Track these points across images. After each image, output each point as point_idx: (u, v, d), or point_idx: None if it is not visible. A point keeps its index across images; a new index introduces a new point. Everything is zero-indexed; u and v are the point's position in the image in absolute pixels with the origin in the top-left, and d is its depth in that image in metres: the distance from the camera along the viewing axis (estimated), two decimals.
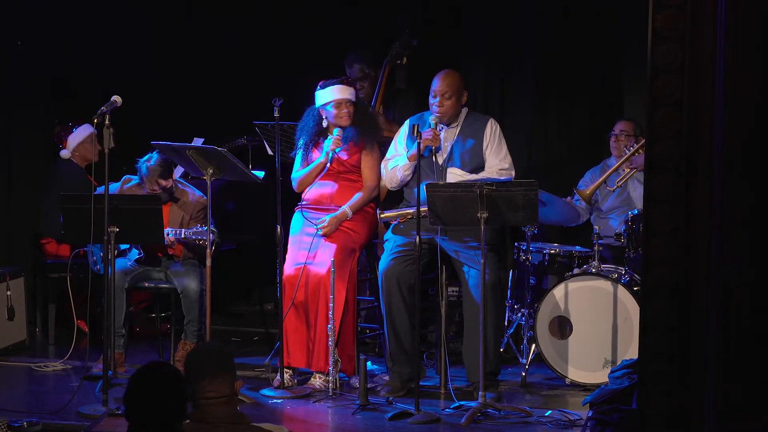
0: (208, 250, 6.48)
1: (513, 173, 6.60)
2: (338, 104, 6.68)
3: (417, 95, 6.70)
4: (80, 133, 7.95)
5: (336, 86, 6.66)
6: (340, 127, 6.71)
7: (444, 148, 6.59)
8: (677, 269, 4.83)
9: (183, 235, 6.71)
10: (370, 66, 7.58)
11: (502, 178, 6.49)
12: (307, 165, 6.79)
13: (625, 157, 7.16)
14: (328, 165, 6.69)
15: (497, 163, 6.57)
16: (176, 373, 3.75)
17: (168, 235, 6.70)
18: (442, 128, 6.58)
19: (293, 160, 6.91)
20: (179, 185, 7.13)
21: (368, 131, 6.76)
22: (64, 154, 7.96)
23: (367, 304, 7.23)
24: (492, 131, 6.62)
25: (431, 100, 6.57)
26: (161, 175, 6.89)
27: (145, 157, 6.93)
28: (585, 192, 7.29)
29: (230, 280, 8.05)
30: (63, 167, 7.97)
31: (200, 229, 6.59)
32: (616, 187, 7.26)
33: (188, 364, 3.96)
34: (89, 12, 8.07)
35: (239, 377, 4.04)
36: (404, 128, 6.75)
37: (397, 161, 6.67)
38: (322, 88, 6.69)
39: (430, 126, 6.51)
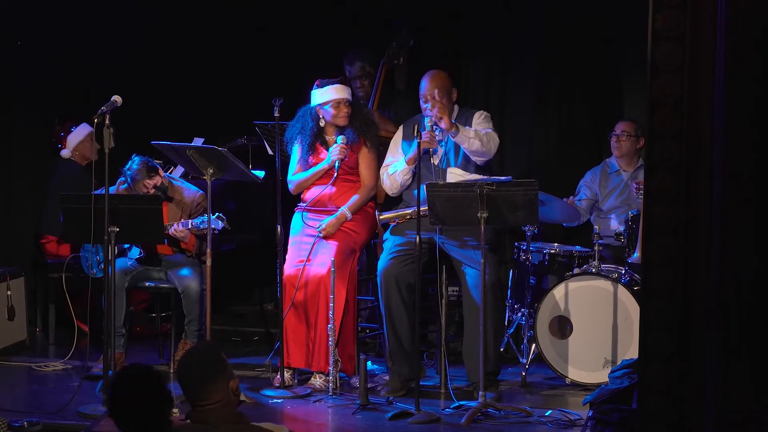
0: (208, 250, 6.47)
1: (495, 137, 6.55)
2: (337, 104, 6.68)
3: (416, 96, 6.69)
4: (79, 133, 7.98)
5: (335, 86, 6.66)
6: (337, 126, 6.72)
7: (438, 148, 6.60)
8: (677, 269, 4.83)
9: (190, 226, 6.72)
10: (371, 64, 7.57)
11: (480, 147, 6.46)
12: (306, 167, 6.79)
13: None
14: (336, 175, 6.68)
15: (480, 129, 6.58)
16: (151, 373, 3.78)
17: (177, 226, 6.72)
18: (437, 129, 6.58)
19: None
20: (173, 182, 7.14)
21: (366, 131, 6.76)
22: (65, 153, 7.99)
23: (367, 304, 7.23)
24: (478, 118, 6.62)
25: (423, 105, 6.58)
26: (147, 176, 6.90)
27: (127, 165, 6.93)
28: None
29: (230, 280, 8.05)
30: (63, 167, 7.99)
31: (205, 218, 6.58)
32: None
33: (178, 372, 3.96)
34: (89, 11, 8.07)
35: (238, 376, 4.03)
36: (399, 133, 6.77)
37: (396, 166, 6.68)
38: (320, 87, 6.68)
39: (425, 127, 6.51)
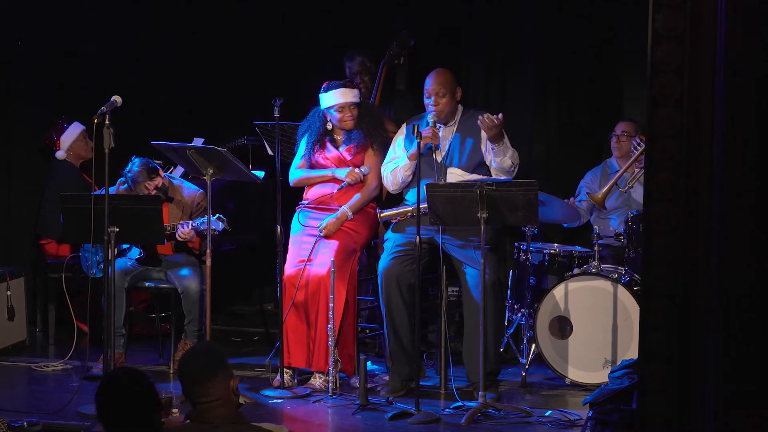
0: (208, 250, 6.47)
1: (516, 161, 6.55)
2: (341, 108, 6.67)
3: (416, 96, 6.70)
4: (72, 132, 7.96)
5: (340, 90, 6.65)
6: (343, 129, 6.72)
7: (442, 146, 6.60)
8: (677, 269, 4.82)
9: (191, 226, 6.73)
10: (371, 59, 7.59)
11: (510, 167, 6.48)
12: (309, 163, 6.79)
13: (634, 157, 7.07)
14: (335, 192, 6.68)
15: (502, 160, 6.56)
16: (140, 377, 3.78)
17: (183, 227, 6.73)
18: (440, 127, 6.59)
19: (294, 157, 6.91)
20: (173, 181, 7.14)
21: (374, 132, 6.76)
22: (60, 155, 7.96)
23: (367, 304, 7.23)
24: None
25: (426, 100, 6.59)
26: (148, 178, 6.90)
27: (127, 167, 6.93)
28: (597, 197, 7.16)
29: (230, 280, 8.05)
30: (58, 168, 7.97)
31: (205, 219, 6.59)
32: (627, 188, 7.17)
33: (179, 371, 3.97)
34: (89, 11, 8.07)
35: (238, 376, 4.03)
36: (402, 132, 6.77)
37: (396, 163, 6.68)
38: (326, 90, 6.67)
39: (428, 124, 6.52)
